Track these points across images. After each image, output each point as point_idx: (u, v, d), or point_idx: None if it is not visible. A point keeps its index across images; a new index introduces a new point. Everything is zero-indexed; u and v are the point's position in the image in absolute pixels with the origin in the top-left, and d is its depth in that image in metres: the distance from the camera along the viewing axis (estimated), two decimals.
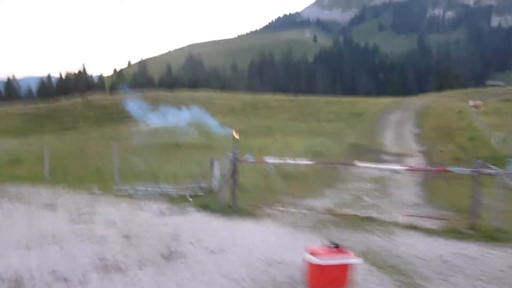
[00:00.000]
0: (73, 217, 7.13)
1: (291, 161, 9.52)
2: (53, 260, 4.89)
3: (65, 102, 54.84)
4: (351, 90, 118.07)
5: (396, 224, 6.94)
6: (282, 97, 67.14)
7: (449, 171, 7.75)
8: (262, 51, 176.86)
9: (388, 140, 27.77)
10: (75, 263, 4.79)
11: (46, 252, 5.21)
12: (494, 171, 6.53)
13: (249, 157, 9.09)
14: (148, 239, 5.80)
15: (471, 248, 5.59)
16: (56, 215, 7.39)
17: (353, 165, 10.22)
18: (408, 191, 11.80)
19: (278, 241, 5.78)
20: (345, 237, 6.08)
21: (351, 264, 4.17)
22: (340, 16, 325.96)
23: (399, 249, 5.54)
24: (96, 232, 6.12)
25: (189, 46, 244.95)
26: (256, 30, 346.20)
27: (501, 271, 4.79)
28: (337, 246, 4.22)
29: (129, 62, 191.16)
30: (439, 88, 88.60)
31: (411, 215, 7.68)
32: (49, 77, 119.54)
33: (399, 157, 21.08)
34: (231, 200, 7.83)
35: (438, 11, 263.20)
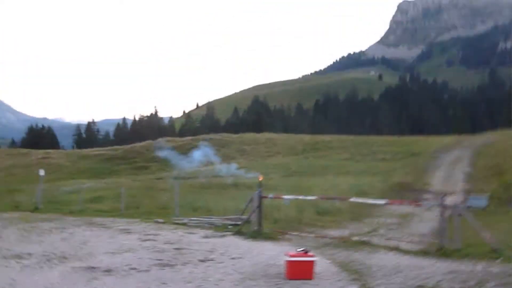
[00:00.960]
0: (141, 237, 9.82)
1: (302, 197, 11.73)
2: (128, 260, 7.49)
3: (138, 144, 60.15)
4: (418, 128, 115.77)
5: (384, 247, 8.91)
6: (342, 137, 68.79)
7: (418, 203, 9.62)
8: (327, 91, 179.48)
9: (436, 180, 28.72)
10: (143, 262, 7.36)
11: (123, 256, 7.84)
12: (457, 205, 8.39)
13: (270, 195, 11.41)
14: (191, 251, 8.30)
15: (424, 262, 7.50)
16: (130, 236, 10.12)
17: (348, 199, 12.14)
18: (424, 225, 13.43)
19: (282, 254, 8.02)
20: (334, 252, 8.21)
21: (315, 262, 6.37)
22: (406, 53, 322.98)
23: (368, 261, 7.57)
24: (157, 246, 8.72)
25: (255, 87, 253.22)
26: (321, 69, 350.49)
27: (434, 275, 6.70)
28: (305, 251, 6.45)
29: (197, 104, 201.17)
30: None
31: (399, 240, 9.58)
32: (124, 120, 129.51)
33: (440, 195, 22.23)
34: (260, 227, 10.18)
35: (510, 44, 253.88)
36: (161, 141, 56.78)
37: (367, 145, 56.65)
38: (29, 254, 8.08)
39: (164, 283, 6.05)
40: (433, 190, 24.61)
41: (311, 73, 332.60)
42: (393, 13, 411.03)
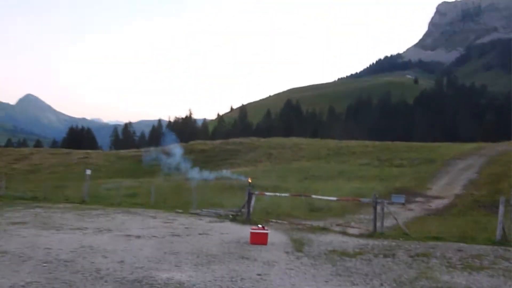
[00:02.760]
0: (163, 221, 13.54)
1: (281, 194, 15.16)
2: (152, 232, 11.18)
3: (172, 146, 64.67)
4: (453, 134, 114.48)
5: (336, 232, 12.22)
6: (366, 142, 71.18)
7: (358, 200, 12.93)
8: (360, 95, 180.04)
9: (438, 185, 31.33)
10: (161, 233, 11.04)
11: (149, 230, 11.54)
12: (381, 200, 11.66)
13: (256, 192, 14.87)
14: (195, 229, 11.92)
15: (353, 240, 10.79)
16: (155, 220, 13.86)
17: (310, 196, 15.56)
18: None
19: None
20: (296, 233, 11.61)
21: (268, 234, 9.84)
22: (444, 56, 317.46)
23: (315, 238, 10.93)
24: (172, 226, 12.40)
25: (289, 90, 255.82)
26: (356, 72, 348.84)
27: (350, 246, 9.98)
28: (263, 227, 9.93)
29: (231, 107, 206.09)
30: None
31: (352, 227, 12.90)
32: (159, 121, 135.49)
33: (431, 199, 25.06)
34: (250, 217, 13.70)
35: None
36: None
37: (388, 151, 58.98)
38: (86, 228, 11.89)
39: (172, 243, 9.71)
40: (428, 194, 27.37)
41: (346, 76, 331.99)
42: (432, 15, 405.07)
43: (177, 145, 32.43)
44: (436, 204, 23.07)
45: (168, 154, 28.72)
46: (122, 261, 7.76)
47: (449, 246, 9.36)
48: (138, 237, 10.48)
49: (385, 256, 8.68)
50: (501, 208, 9.70)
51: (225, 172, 27.74)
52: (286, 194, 16.04)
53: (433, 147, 60.53)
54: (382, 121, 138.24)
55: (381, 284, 6.65)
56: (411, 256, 8.58)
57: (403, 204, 15.20)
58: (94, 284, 6.28)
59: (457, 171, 38.78)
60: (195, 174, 24.47)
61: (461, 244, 9.46)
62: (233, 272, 7.24)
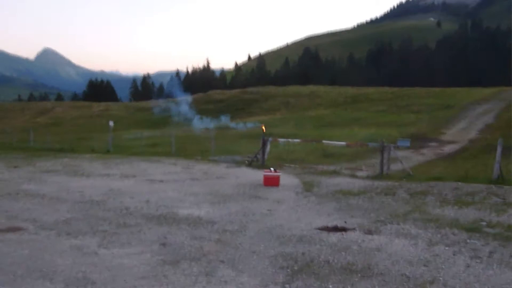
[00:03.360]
0: (183, 167, 14.50)
1: (293, 140, 15.89)
2: (173, 177, 12.13)
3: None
4: (476, 77, 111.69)
5: (345, 174, 12.99)
6: (385, 89, 70.73)
7: (366, 145, 13.57)
8: (380, 40, 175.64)
9: (454, 130, 31.61)
10: (181, 177, 11.99)
11: (170, 175, 12.50)
12: (387, 145, 12.29)
13: (270, 139, 15.60)
14: (213, 174, 12.85)
15: (360, 181, 11.55)
16: (176, 166, 14.83)
17: (321, 140, 16.29)
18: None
19: None
20: (306, 176, 12.42)
21: (279, 177, 10.67)
22: None
23: (324, 181, 11.73)
24: (192, 171, 13.35)
25: (307, 38, 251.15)
26: (377, 18, 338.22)
27: (356, 186, 10.75)
28: (275, 170, 10.75)
29: (249, 56, 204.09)
30: None
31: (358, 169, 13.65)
32: (177, 73, 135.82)
33: (445, 143, 25.51)
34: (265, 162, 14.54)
35: None
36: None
37: (407, 97, 58.72)
38: (113, 174, 12.91)
39: (191, 186, 10.64)
40: (442, 139, 27.76)
41: (366, 22, 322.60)
42: None
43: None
44: (449, 148, 23.56)
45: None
46: (147, 201, 8.71)
47: (448, 185, 10.04)
48: (161, 181, 11.44)
49: (386, 194, 9.44)
50: (499, 149, 10.25)
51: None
52: (298, 140, 16.83)
53: (453, 92, 59.92)
54: (403, 66, 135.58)
55: (377, 216, 7.43)
56: (409, 194, 9.32)
57: (408, 147, 15.81)
58: (125, 219, 7.23)
59: (474, 116, 38.80)
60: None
61: (459, 183, 10.13)
62: (245, 208, 8.12)
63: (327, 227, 6.71)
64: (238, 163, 15.48)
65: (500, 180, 10.09)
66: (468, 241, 5.90)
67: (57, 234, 6.24)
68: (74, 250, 5.48)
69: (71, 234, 6.23)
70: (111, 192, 9.69)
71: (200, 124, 26.68)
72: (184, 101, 28.85)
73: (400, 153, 20.38)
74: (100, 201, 8.66)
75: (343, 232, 6.38)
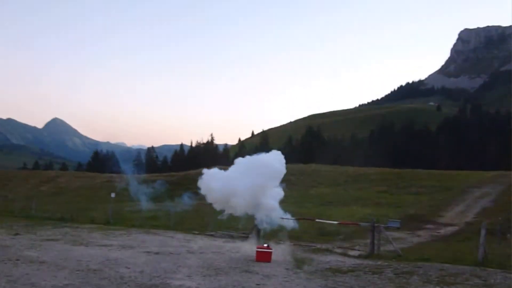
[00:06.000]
0: (180, 241, 14.83)
1: (285, 218, 16.27)
2: (169, 249, 12.46)
3: (192, 171, 66.34)
4: (478, 161, 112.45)
5: (337, 253, 13.27)
6: (385, 170, 71.48)
7: (357, 224, 13.96)
8: (382, 121, 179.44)
9: (452, 212, 31.80)
10: (177, 250, 12.30)
11: (167, 248, 12.83)
12: (378, 225, 12.71)
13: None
14: (209, 248, 13.15)
15: (350, 260, 11.83)
16: (173, 240, 15.17)
17: (314, 219, 16.63)
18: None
19: None
20: (300, 253, 12.71)
21: (271, 253, 11.01)
22: (468, 83, 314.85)
23: (316, 258, 12.02)
24: (190, 246, 13.68)
25: (310, 116, 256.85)
26: (378, 99, 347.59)
27: (346, 265, 11.03)
28: (268, 246, 11.12)
29: (252, 132, 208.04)
30: None
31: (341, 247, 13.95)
32: (181, 146, 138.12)
33: (441, 226, 25.69)
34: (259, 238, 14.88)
35: None
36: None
37: (407, 179, 59.27)
38: (111, 244, 13.27)
39: (186, 258, 10.98)
40: (439, 221, 27.93)
41: (367, 103, 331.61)
42: (454, 42, 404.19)
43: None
44: (445, 231, 23.74)
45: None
46: (142, 271, 9.07)
47: (434, 266, 10.34)
48: (157, 253, 11.79)
49: (373, 273, 9.75)
50: (483, 232, 10.66)
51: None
52: (290, 217, 17.03)
53: (453, 175, 60.42)
54: (405, 147, 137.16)
55: None
56: (395, 274, 9.62)
57: (398, 228, 16.16)
58: (119, 287, 7.58)
59: (472, 199, 39.06)
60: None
61: (446, 265, 10.44)
62: (235, 281, 8.46)
63: None
64: (234, 238, 15.80)
65: (486, 262, 10.39)
66: None
67: None
68: None
69: None
70: (108, 262, 10.05)
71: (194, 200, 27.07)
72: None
73: (397, 234, 20.76)
74: (96, 270, 9.03)
75: None
